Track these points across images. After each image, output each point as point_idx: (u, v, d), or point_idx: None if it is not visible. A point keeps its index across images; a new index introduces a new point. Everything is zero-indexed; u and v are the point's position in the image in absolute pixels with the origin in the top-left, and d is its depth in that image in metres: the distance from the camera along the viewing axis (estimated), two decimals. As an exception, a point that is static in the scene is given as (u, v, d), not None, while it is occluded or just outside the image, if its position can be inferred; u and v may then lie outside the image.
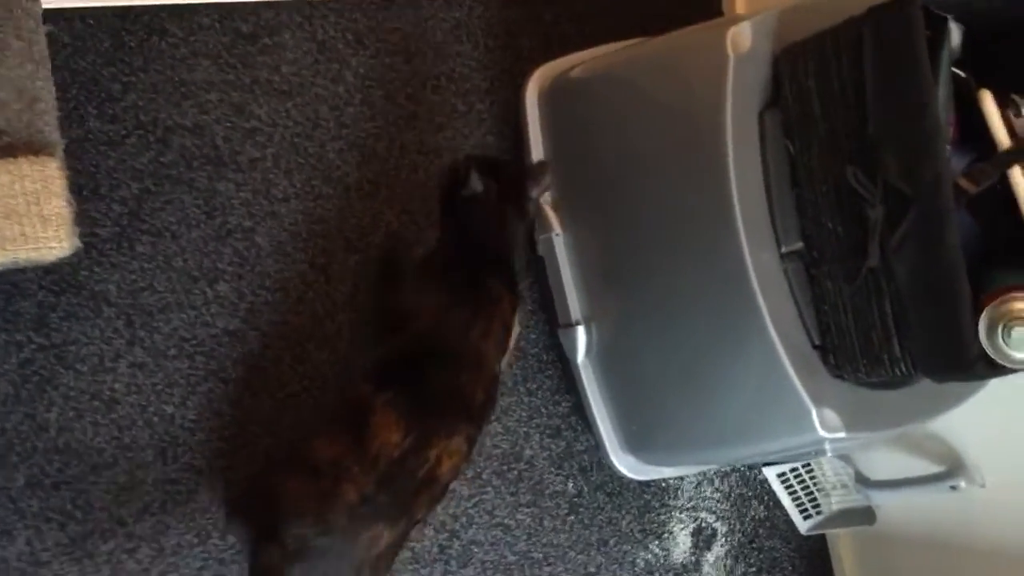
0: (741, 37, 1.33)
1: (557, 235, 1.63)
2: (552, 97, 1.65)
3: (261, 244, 1.59)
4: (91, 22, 1.51)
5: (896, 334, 1.22)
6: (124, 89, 1.52)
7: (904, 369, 1.23)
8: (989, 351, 1.14)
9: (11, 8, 1.14)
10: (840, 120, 1.26)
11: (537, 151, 1.67)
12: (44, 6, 1.19)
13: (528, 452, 1.74)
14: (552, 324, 1.71)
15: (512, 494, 1.71)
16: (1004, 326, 1.13)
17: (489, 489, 1.69)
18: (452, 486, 1.57)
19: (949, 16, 1.16)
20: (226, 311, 1.55)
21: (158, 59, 1.55)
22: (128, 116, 1.52)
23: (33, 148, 1.13)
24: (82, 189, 1.47)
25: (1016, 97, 1.23)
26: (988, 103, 1.23)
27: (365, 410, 1.25)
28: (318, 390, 1.59)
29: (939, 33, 1.17)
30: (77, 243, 1.16)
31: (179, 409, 1.50)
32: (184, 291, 1.52)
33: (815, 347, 1.34)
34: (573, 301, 1.63)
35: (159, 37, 1.55)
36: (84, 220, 1.46)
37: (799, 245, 1.34)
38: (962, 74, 1.27)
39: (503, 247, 1.45)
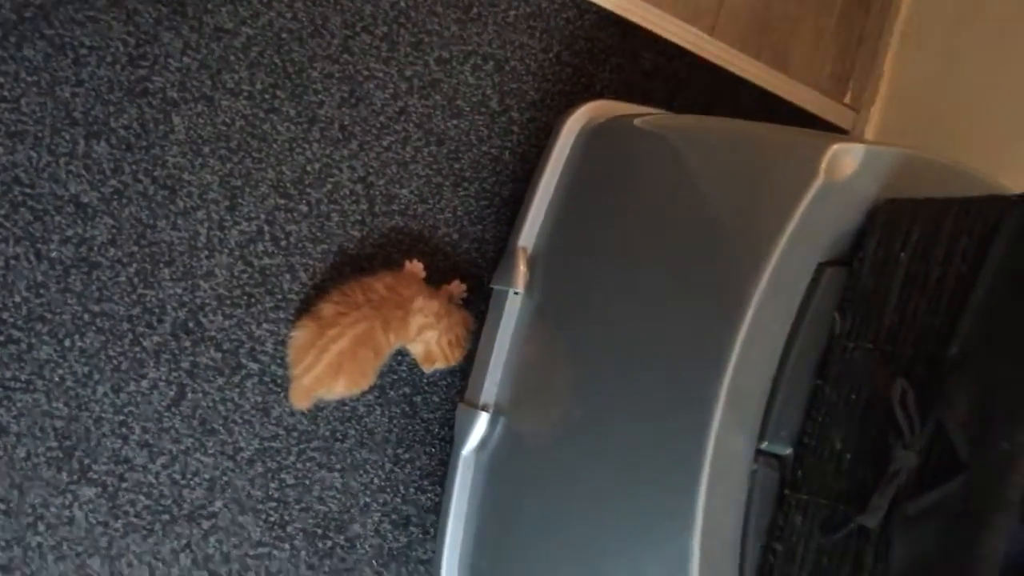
0: (843, 160, 0.96)
1: (516, 293, 1.27)
2: (597, 136, 1.30)
3: (176, 125, 1.24)
4: None
5: (853, 634, 0.83)
6: None
7: None
8: None
9: None
10: (919, 318, 0.88)
11: (546, 189, 1.31)
12: None
13: (356, 529, 1.34)
14: (462, 391, 1.34)
15: (310, 568, 1.32)
16: None
17: (286, 547, 1.30)
18: (240, 519, 1.21)
19: None
20: (89, 177, 1.20)
21: None
22: (102, -96, 1.20)
23: None
24: (-4, -49, 1.15)
25: None
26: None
27: None
28: (144, 329, 1.23)
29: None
30: None
31: (-37, 258, 1.15)
32: (52, 128, 1.18)
33: (742, 593, 0.95)
34: (493, 379, 1.26)
35: None
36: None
37: (787, 451, 0.96)
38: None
39: None
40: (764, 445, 0.96)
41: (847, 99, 1.67)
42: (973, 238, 0.86)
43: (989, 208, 0.86)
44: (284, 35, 1.30)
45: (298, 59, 1.30)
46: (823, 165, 0.96)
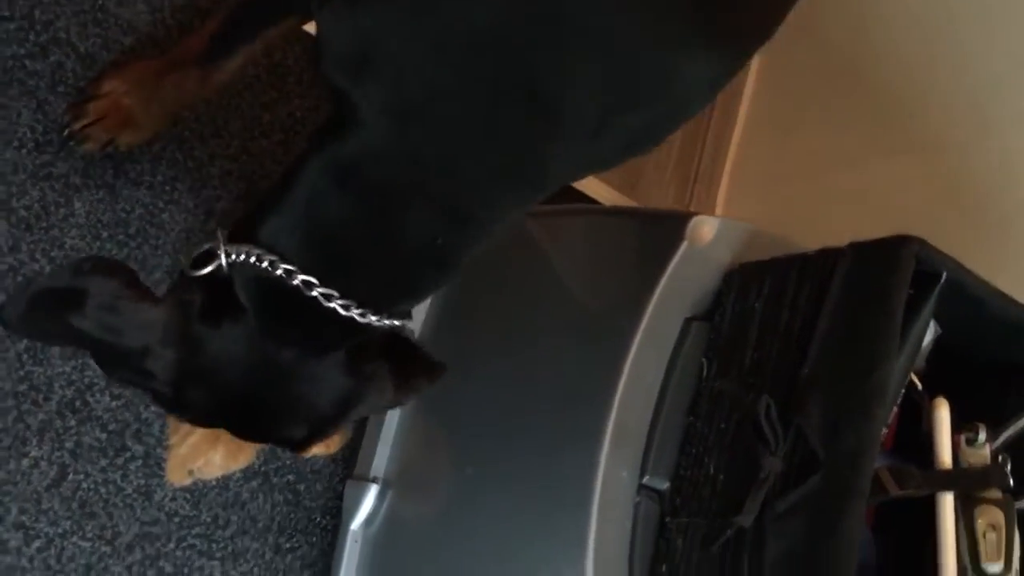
0: (704, 229, 1.12)
1: (405, 367, 1.34)
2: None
3: (77, 209, 1.28)
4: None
5: (737, 627, 0.91)
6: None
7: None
8: None
9: None
10: (774, 352, 1.02)
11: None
12: None
13: (230, 619, 1.33)
14: (347, 474, 1.37)
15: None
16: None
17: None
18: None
19: (942, 276, 0.96)
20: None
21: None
22: None
23: None
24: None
25: (981, 425, 1.01)
26: (941, 413, 1.01)
27: None
28: (29, 406, 1.22)
29: (923, 295, 0.97)
30: None
31: None
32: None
33: (631, 613, 1.02)
34: (383, 453, 1.31)
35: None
36: None
37: (665, 485, 1.06)
38: (918, 384, 1.07)
39: None
40: (646, 479, 1.06)
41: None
42: (814, 283, 1.02)
43: (825, 258, 1.03)
44: (186, 133, 1.38)
45: (199, 156, 1.39)
46: (687, 232, 1.11)
